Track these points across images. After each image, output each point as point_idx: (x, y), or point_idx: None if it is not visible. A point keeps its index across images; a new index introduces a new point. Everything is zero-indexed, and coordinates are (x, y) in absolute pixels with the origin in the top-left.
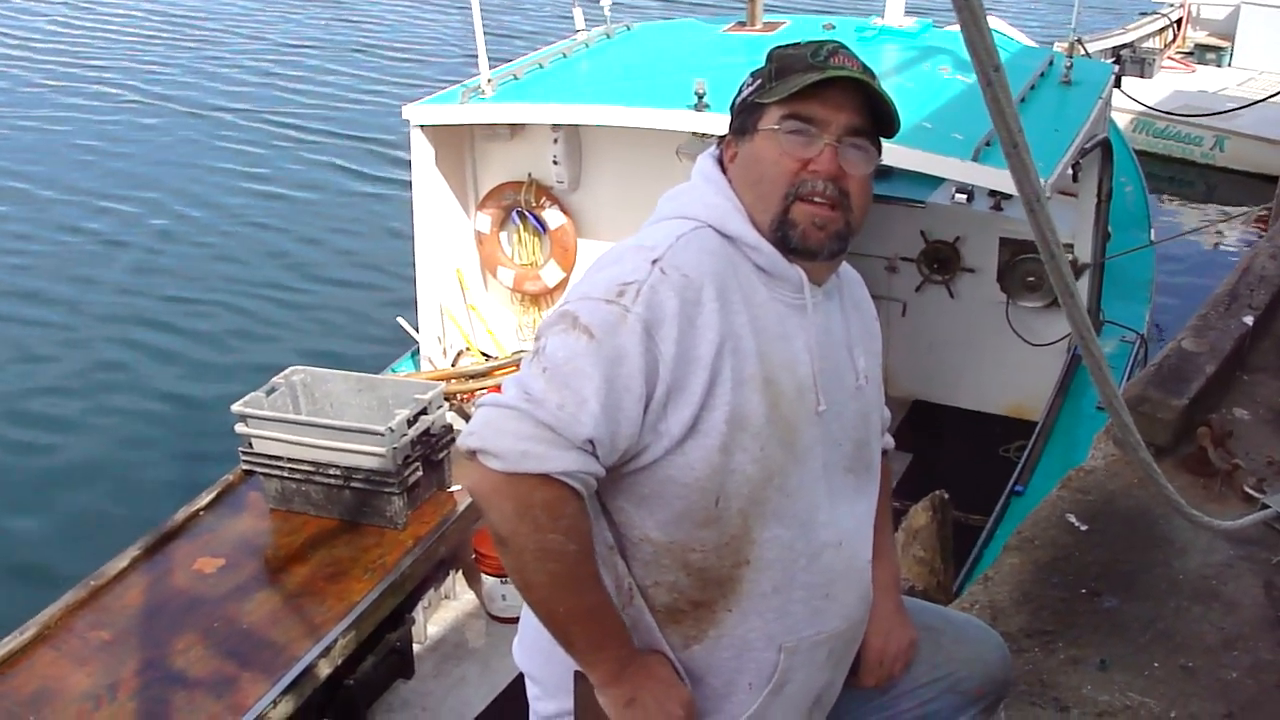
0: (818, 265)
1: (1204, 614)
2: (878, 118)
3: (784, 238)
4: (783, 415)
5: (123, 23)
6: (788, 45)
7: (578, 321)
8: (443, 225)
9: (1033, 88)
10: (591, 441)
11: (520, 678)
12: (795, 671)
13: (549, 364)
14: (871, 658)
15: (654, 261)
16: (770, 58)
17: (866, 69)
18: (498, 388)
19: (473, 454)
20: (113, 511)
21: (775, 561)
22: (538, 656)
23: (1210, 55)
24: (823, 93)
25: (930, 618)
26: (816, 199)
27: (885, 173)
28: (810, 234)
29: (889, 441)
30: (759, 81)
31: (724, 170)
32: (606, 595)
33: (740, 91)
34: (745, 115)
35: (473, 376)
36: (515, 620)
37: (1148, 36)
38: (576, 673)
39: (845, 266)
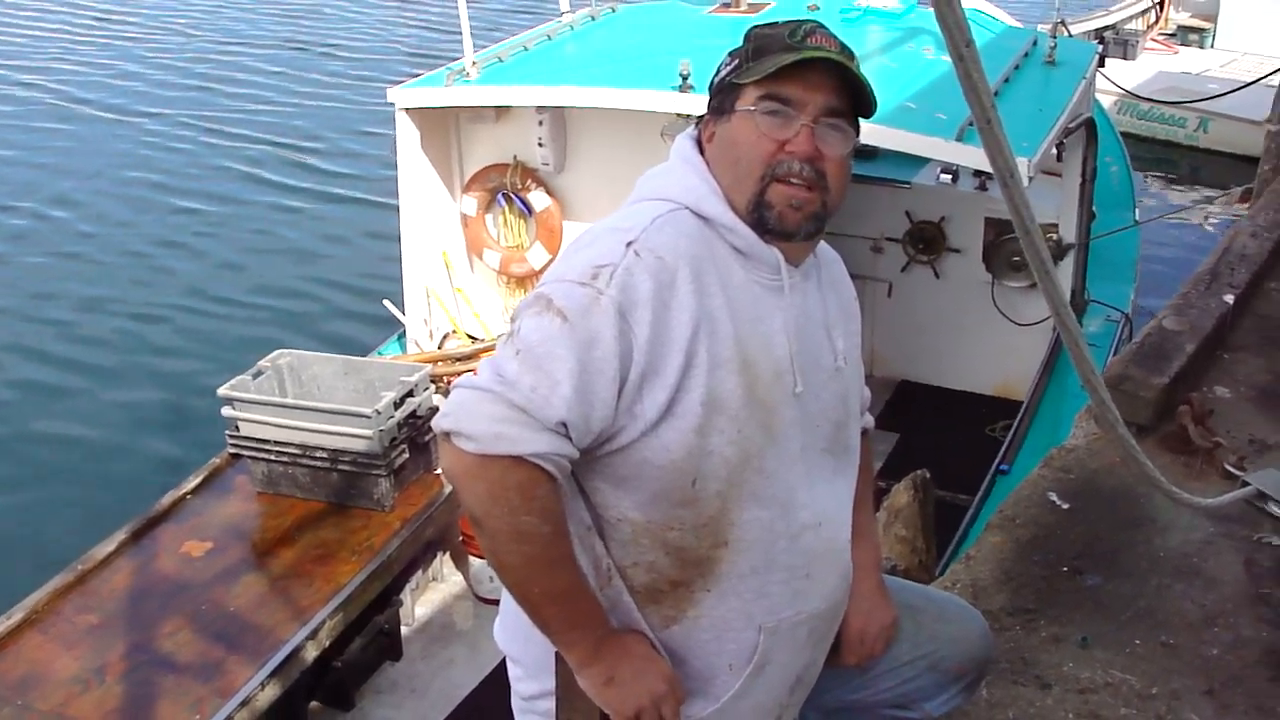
0: (794, 246)
1: (1185, 591)
2: (855, 98)
3: (760, 219)
4: (759, 397)
5: (63, 18)
6: (766, 25)
7: (551, 304)
8: (428, 208)
9: (1017, 68)
10: (564, 424)
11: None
12: (776, 652)
13: (522, 346)
14: (852, 637)
15: (628, 244)
16: (748, 38)
17: (844, 49)
18: None
19: (446, 435)
20: (100, 495)
21: (754, 543)
22: (518, 638)
23: (1193, 36)
24: (800, 73)
25: (911, 596)
26: (793, 180)
27: (870, 153)
28: (787, 215)
29: (869, 421)
30: (736, 62)
31: (702, 151)
32: (581, 576)
33: (718, 71)
34: (722, 96)
35: (459, 359)
36: None
37: (1130, 18)
38: (558, 654)
39: (823, 246)
